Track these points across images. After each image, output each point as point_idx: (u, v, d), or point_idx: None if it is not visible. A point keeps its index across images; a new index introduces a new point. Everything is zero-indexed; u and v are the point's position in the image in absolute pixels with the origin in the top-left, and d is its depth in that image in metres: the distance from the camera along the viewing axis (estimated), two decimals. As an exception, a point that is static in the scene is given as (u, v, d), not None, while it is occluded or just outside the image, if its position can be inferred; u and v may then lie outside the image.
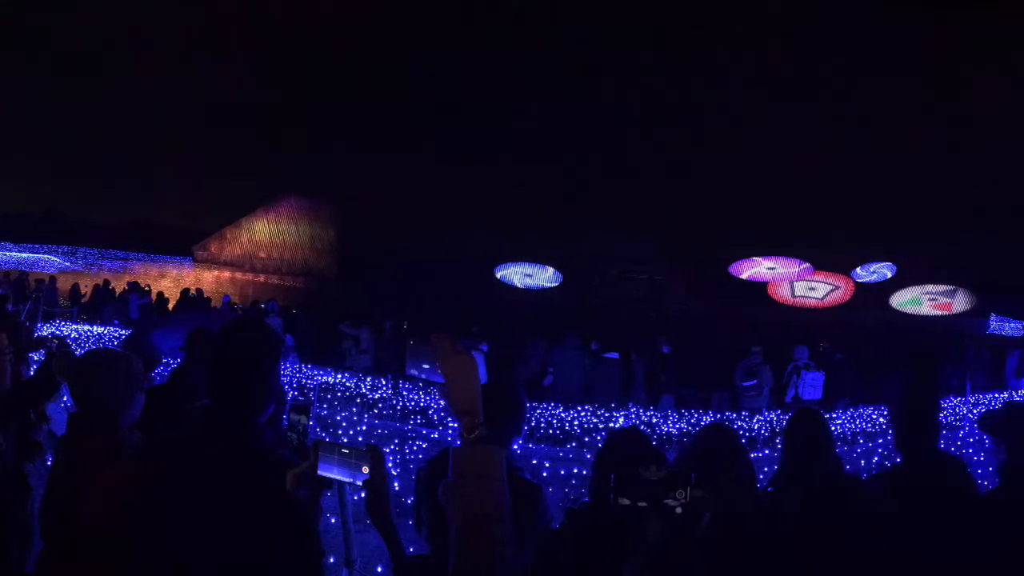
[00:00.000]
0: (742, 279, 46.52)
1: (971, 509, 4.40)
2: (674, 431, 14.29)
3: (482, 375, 2.57)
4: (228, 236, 53.26)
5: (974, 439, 11.15)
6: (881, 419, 14.39)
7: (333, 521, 4.63)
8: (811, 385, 17.33)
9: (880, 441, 12.88)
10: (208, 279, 46.77)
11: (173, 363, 10.06)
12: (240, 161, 45.81)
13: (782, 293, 47.30)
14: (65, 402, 6.77)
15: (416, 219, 41.49)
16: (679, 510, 2.42)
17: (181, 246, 52.82)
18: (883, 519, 3.82)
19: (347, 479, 3.14)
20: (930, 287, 46.54)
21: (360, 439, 11.47)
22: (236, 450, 3.15)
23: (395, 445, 11.53)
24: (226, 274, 49.86)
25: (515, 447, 5.40)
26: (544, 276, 46.16)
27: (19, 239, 52.29)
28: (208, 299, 30.42)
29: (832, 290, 47.06)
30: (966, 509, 4.36)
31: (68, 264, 50.82)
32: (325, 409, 13.88)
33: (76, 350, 5.77)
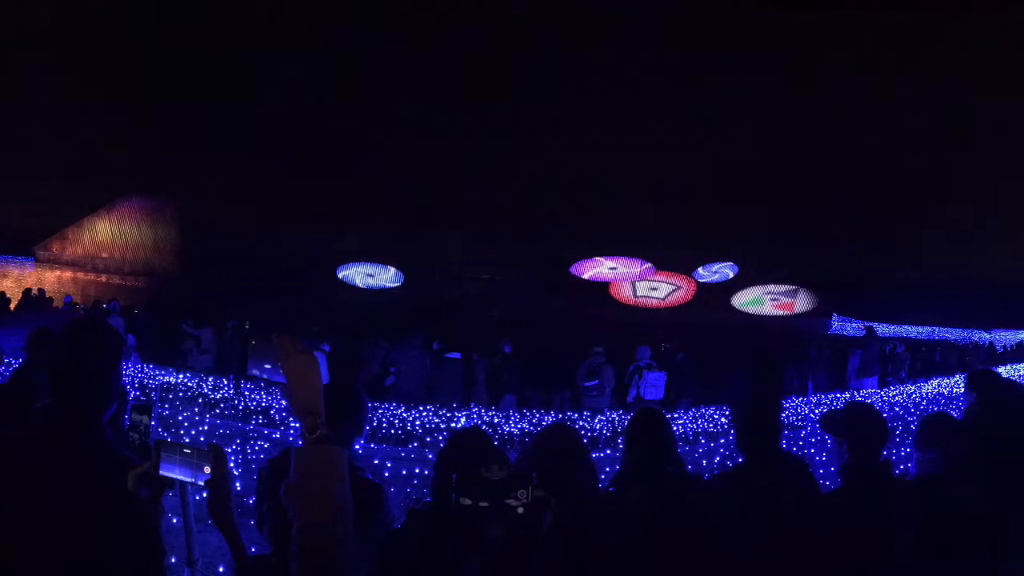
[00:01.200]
0: (584, 279, 46.89)
1: (812, 509, 4.47)
2: (516, 431, 14.37)
3: (324, 375, 2.57)
4: (70, 236, 52.01)
5: (816, 439, 11.40)
6: (723, 419, 14.65)
7: (175, 521, 4.55)
8: (653, 385, 17.58)
9: (722, 441, 13.11)
10: (50, 279, 45.81)
11: (15, 363, 9.88)
12: (82, 160, 44.62)
13: (624, 293, 47.80)
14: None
15: (258, 219, 40.93)
16: (521, 510, 2.43)
17: (22, 246, 51.51)
18: (725, 519, 3.86)
19: (189, 479, 3.18)
20: (772, 287, 47.51)
21: (202, 439, 11.34)
22: (77, 450, 3.14)
23: (237, 445, 11.44)
24: (68, 274, 48.81)
25: (357, 447, 5.41)
26: (386, 276, 46.03)
27: None
28: (50, 299, 30.06)
29: (674, 290, 47.70)
30: (807, 509, 4.43)
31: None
32: (167, 409, 13.64)
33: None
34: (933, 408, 14.64)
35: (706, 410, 16.07)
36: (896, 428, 11.69)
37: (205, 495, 3.16)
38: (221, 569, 5.68)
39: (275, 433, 13.27)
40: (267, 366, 13.98)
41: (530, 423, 14.76)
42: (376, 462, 10.31)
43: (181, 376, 16.83)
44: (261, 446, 11.55)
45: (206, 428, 12.56)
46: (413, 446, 13.40)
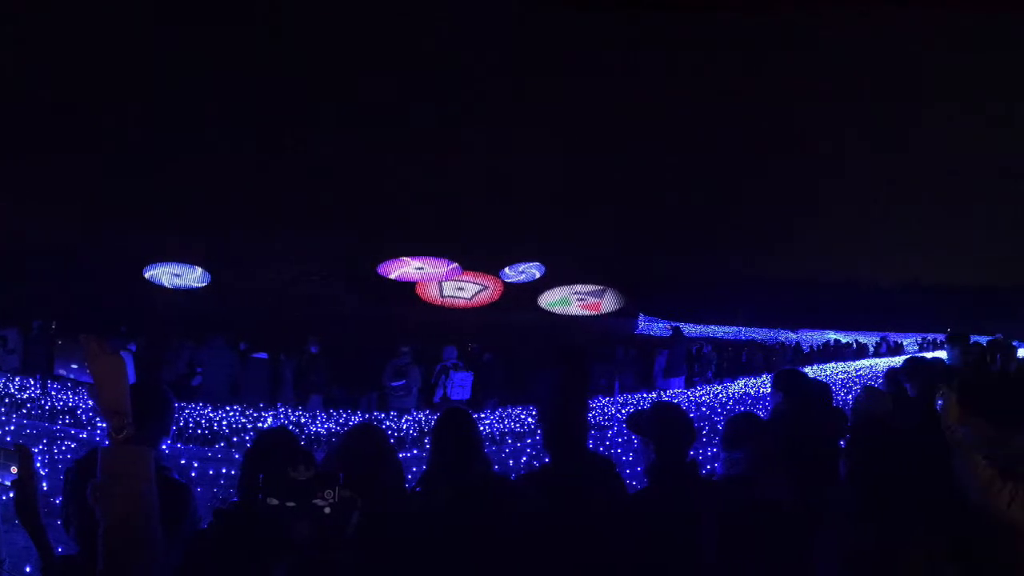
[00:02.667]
0: (391, 279, 46.77)
1: (619, 509, 4.54)
2: (323, 431, 14.31)
3: (130, 375, 2.56)
4: None
5: (622, 439, 11.56)
6: (529, 419, 14.79)
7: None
8: (459, 385, 17.74)
9: (529, 441, 13.24)
10: None
11: None
12: None
13: (431, 293, 47.76)
14: None
15: (64, 218, 39.76)
16: (327, 510, 2.46)
17: None
18: (531, 519, 3.91)
19: None
20: (578, 287, 47.92)
21: (8, 439, 11.17)
22: None
23: (44, 445, 11.16)
24: None
25: (163, 447, 5.31)
26: (193, 276, 45.18)
27: None
28: None
29: (481, 290, 47.80)
30: (614, 509, 4.50)
31: None
32: (-28, 410, 13.26)
33: None
34: (740, 408, 15.00)
35: (513, 410, 16.23)
36: (703, 428, 11.92)
37: (11, 495, 3.12)
38: (28, 569, 5.55)
39: (82, 433, 12.99)
40: (74, 366, 13.71)
41: (337, 423, 14.73)
42: (183, 462, 10.19)
43: (-13, 376, 16.30)
44: (68, 446, 11.28)
45: (12, 428, 12.30)
46: (220, 446, 13.26)
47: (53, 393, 15.56)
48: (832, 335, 53.95)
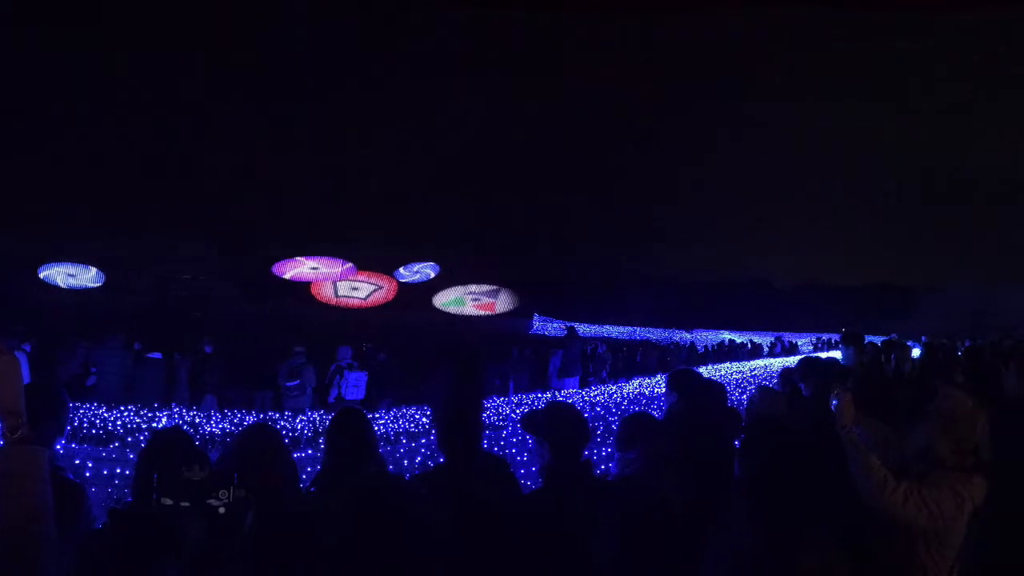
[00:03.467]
0: (286, 279, 46.46)
1: (513, 509, 4.54)
2: (217, 431, 14.16)
3: (25, 375, 2.52)
4: None
5: (517, 439, 11.55)
6: (424, 419, 14.74)
7: None
8: (354, 385, 17.84)
9: (423, 441, 13.17)
10: None
11: None
12: None
13: (325, 293, 47.54)
14: None
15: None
16: (222, 510, 2.46)
17: None
18: (425, 520, 3.90)
19: None
20: (473, 287, 47.98)
21: None
22: None
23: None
24: None
25: (58, 447, 5.25)
26: (87, 276, 44.59)
27: None
28: None
29: (375, 290, 47.66)
30: (508, 509, 4.50)
31: None
32: None
33: None
34: (634, 408, 15.04)
35: (407, 410, 16.15)
36: (597, 428, 11.94)
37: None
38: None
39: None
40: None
41: (231, 423, 14.56)
42: (77, 462, 9.99)
43: None
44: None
45: None
46: (114, 446, 13.04)
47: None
48: (727, 335, 54.47)
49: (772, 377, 17.01)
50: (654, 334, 57.14)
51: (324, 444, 5.14)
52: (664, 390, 7.35)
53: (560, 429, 4.63)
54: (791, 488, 3.77)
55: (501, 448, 11.36)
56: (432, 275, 47.47)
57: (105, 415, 14.13)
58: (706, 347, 46.26)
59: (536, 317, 56.55)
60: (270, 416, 15.63)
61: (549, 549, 4.16)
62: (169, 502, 2.44)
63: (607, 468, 7.06)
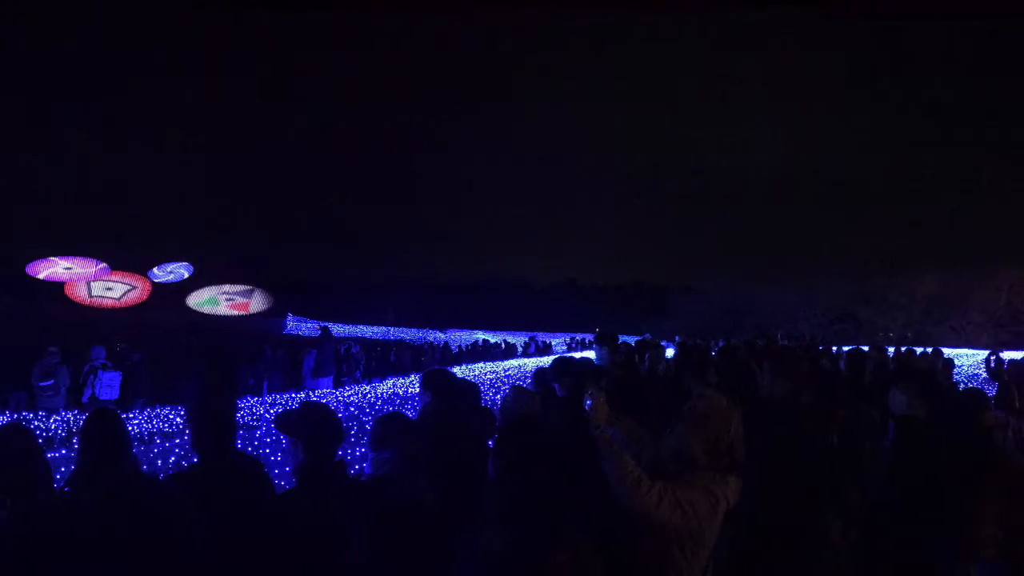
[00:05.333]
0: (39, 279, 45.19)
1: (267, 509, 4.48)
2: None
3: None
4: None
5: (271, 439, 11.44)
6: (178, 419, 14.51)
7: None
8: (108, 385, 17.75)
9: (177, 441, 12.94)
10: None
11: None
12: None
13: (79, 293, 46.36)
14: None
15: None
16: None
17: None
18: (179, 519, 3.81)
19: None
20: (227, 287, 47.48)
21: None
22: None
23: None
24: None
25: None
26: None
27: None
28: None
29: (129, 290, 46.71)
30: (262, 509, 4.44)
31: None
32: None
33: None
34: (388, 408, 15.08)
35: (161, 410, 15.87)
36: (351, 428, 11.93)
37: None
38: None
39: None
40: None
41: (-16, 424, 14.16)
42: None
43: None
44: None
45: None
46: None
47: None
48: (481, 335, 55.11)
49: (526, 377, 17.26)
50: (408, 334, 57.50)
51: (78, 444, 5.04)
52: (418, 390, 7.35)
53: (314, 429, 4.58)
54: (544, 488, 3.78)
55: (255, 448, 11.24)
56: (186, 275, 46.75)
57: None
58: (460, 347, 46.70)
59: (290, 317, 56.28)
60: (24, 416, 15.23)
61: (303, 549, 4.10)
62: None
63: (361, 468, 7.02)
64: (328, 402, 14.00)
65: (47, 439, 14.00)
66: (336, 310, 57.56)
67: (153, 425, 15.13)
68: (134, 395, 19.19)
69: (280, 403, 17.19)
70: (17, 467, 4.13)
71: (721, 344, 19.06)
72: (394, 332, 59.31)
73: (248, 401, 17.26)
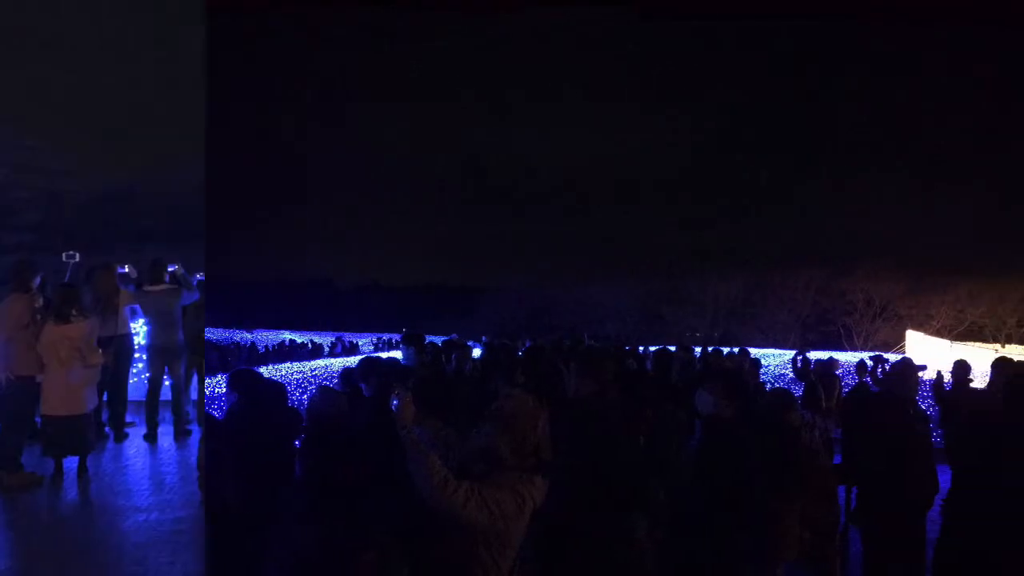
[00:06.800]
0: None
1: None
2: None
3: None
4: None
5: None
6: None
7: None
8: None
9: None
10: None
11: None
12: None
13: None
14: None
15: None
16: None
17: None
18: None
19: None
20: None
21: None
22: None
23: None
24: None
25: None
26: None
27: None
28: None
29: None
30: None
31: None
32: None
33: None
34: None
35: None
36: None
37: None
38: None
39: None
40: None
41: None
42: None
43: None
44: None
45: None
46: None
47: None
48: (287, 335, 54.51)
49: (333, 377, 17.13)
50: (214, 334, 56.51)
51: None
52: (224, 390, 7.22)
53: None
54: (350, 487, 3.73)
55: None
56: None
57: None
58: (267, 347, 46.10)
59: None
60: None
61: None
62: None
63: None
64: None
65: None
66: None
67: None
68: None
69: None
70: None
71: (528, 344, 19.16)
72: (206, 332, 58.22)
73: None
